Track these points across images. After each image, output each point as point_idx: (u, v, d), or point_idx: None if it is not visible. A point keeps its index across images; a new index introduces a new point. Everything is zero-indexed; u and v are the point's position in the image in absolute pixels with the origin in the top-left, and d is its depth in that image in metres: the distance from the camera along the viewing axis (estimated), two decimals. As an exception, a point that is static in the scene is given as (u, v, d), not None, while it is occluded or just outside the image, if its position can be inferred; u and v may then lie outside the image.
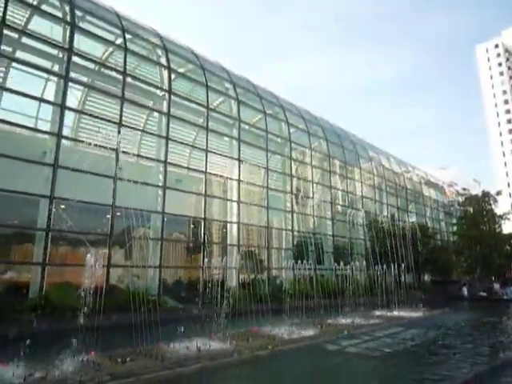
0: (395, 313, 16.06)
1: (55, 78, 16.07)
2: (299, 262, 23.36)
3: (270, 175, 23.15)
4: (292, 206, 24.31)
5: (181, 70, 20.59)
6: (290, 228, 23.90)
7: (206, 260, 19.16)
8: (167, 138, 17.98)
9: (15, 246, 15.65)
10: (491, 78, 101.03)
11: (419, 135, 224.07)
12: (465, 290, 30.93)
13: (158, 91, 19.09)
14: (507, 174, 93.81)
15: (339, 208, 28.79)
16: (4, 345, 9.23)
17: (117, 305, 13.14)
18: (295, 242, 23.97)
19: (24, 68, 15.46)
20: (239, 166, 21.23)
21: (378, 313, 16.07)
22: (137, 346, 8.31)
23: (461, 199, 44.39)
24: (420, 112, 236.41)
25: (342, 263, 27.41)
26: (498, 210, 43.23)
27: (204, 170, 19.39)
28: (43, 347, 7.57)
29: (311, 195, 25.82)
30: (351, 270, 26.02)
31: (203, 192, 19.24)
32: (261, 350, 8.31)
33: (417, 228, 32.29)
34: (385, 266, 27.72)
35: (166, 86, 18.72)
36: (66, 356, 7.13)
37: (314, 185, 26.33)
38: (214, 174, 20.88)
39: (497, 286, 31.00)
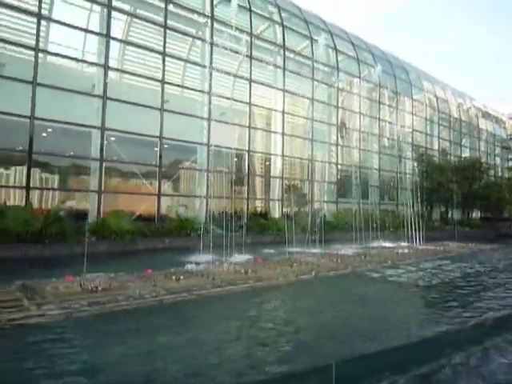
0: (441, 247, 15.87)
1: (98, 8, 15.85)
2: (342, 195, 23.39)
3: (315, 106, 22.43)
4: (337, 138, 23.74)
5: (223, -6, 19.57)
6: (334, 161, 23.56)
7: (250, 192, 19.58)
8: (211, 68, 17.65)
9: (73, 176, 16.70)
10: None
11: (481, 63, 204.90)
12: (515, 228, 29.87)
13: (200, 18, 18.43)
14: None
15: (386, 141, 27.81)
16: (69, 262, 10.22)
17: (168, 230, 14.01)
18: (339, 176, 23.78)
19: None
20: (283, 97, 20.67)
21: (423, 247, 15.98)
22: (188, 266, 8.89)
23: (522, 132, 41.32)
24: (484, 38, 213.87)
25: (387, 198, 27.21)
26: None
27: (248, 101, 19.08)
28: (104, 265, 8.32)
29: (358, 127, 24.97)
30: (397, 204, 25.77)
31: (247, 124, 19.13)
32: (305, 275, 8.63)
33: (469, 163, 30.80)
34: (433, 201, 27.21)
35: (208, 12, 17.99)
36: (124, 272, 7.79)
37: (362, 116, 25.32)
38: (258, 106, 20.53)
39: (552, 224, 29.59)
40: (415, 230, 17.41)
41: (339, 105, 24.19)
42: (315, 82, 22.49)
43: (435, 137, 32.37)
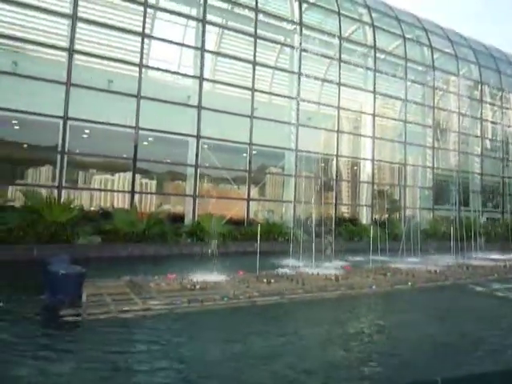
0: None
1: (193, 23, 16.85)
2: (439, 201, 21.78)
3: (408, 107, 21.28)
4: (433, 140, 22.23)
5: (311, 0, 19.58)
6: (429, 165, 22.10)
7: (338, 197, 19.20)
8: (299, 74, 17.74)
9: (170, 181, 17.92)
10: None
11: None
12: None
13: (288, 26, 18.66)
14: None
15: (489, 143, 25.35)
16: (169, 261, 10.93)
17: (257, 234, 14.28)
18: (435, 181, 22.22)
19: (166, 16, 16.51)
20: (374, 99, 19.96)
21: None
22: (278, 270, 8.98)
23: None
24: None
25: (491, 205, 24.70)
26: None
27: (336, 105, 18.79)
28: (199, 265, 8.73)
29: (456, 129, 23.12)
30: (502, 212, 23.28)
31: (335, 128, 18.83)
32: (400, 285, 8.18)
33: None
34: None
35: (296, 19, 18.14)
36: (217, 273, 8.11)
37: (461, 117, 23.40)
38: (347, 109, 20.08)
39: None
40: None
41: (435, 104, 22.67)
42: (408, 83, 21.36)
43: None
